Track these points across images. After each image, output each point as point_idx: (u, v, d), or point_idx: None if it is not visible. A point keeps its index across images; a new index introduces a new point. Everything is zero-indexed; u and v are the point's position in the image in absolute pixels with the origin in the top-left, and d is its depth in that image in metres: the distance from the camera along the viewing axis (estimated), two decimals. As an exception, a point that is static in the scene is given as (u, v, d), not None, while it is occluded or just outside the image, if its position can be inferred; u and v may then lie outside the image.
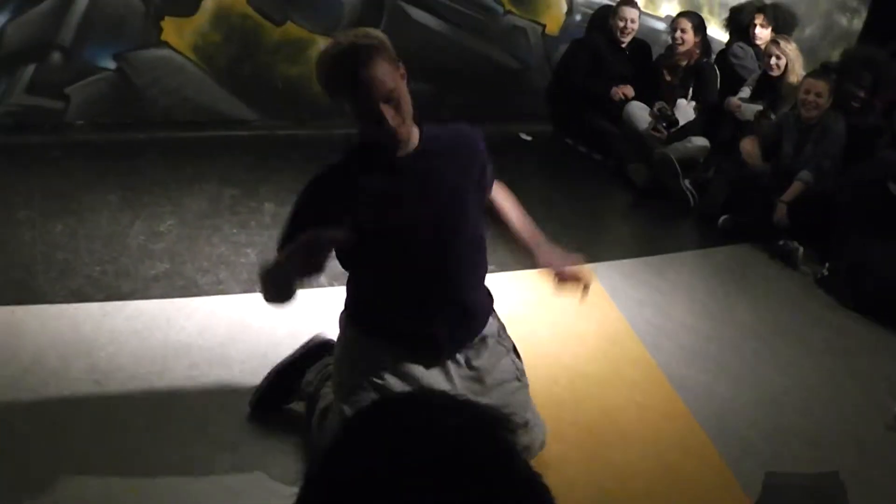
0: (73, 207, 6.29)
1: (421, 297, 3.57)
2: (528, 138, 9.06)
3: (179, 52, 8.06)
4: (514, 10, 9.12)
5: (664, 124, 7.80)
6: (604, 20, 8.74)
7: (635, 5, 8.60)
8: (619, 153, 8.08)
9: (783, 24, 8.37)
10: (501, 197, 3.86)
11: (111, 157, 7.34)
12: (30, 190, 6.52)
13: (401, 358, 3.60)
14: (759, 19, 8.37)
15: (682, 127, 7.87)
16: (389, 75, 3.17)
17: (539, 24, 9.28)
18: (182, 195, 6.66)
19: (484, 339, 3.77)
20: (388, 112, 3.17)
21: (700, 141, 7.83)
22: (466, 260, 3.62)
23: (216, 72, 8.23)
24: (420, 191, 3.41)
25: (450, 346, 3.68)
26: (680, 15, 8.41)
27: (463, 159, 3.52)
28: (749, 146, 7.07)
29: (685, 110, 8.02)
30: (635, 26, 8.55)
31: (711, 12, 9.37)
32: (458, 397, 1.39)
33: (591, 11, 9.16)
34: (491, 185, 3.74)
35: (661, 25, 9.43)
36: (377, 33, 3.28)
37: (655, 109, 7.90)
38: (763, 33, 8.30)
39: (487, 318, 3.82)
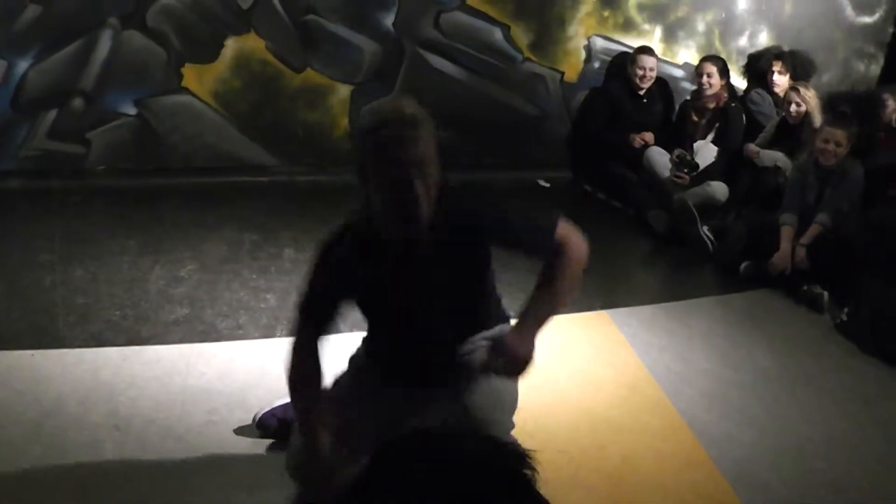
0: (94, 252, 6.31)
1: (414, 356, 3.62)
2: (547, 185, 9.06)
3: (200, 99, 8.12)
4: (532, 57, 9.16)
5: (685, 170, 7.79)
6: (621, 67, 8.76)
7: (653, 53, 8.61)
8: (639, 200, 8.06)
9: (801, 71, 8.39)
10: (549, 269, 3.56)
11: (132, 202, 7.39)
12: (50, 234, 6.56)
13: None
14: (777, 66, 8.38)
15: (703, 170, 7.87)
16: (429, 144, 3.15)
17: (557, 71, 9.31)
18: (202, 241, 6.68)
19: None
20: (418, 188, 3.12)
21: (719, 185, 7.81)
22: (464, 328, 3.67)
23: (236, 118, 8.29)
24: (416, 280, 3.44)
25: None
26: (704, 59, 8.40)
27: (464, 248, 3.44)
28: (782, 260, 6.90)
29: (704, 152, 8.01)
30: (653, 74, 8.56)
31: (729, 59, 9.39)
32: (481, 432, 1.40)
33: (609, 59, 9.17)
34: (539, 251, 3.57)
35: (680, 73, 9.46)
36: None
37: (675, 156, 7.89)
38: (781, 80, 8.30)
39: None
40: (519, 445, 1.45)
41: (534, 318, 3.54)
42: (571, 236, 3.54)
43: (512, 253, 3.63)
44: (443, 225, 3.30)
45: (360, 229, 3.40)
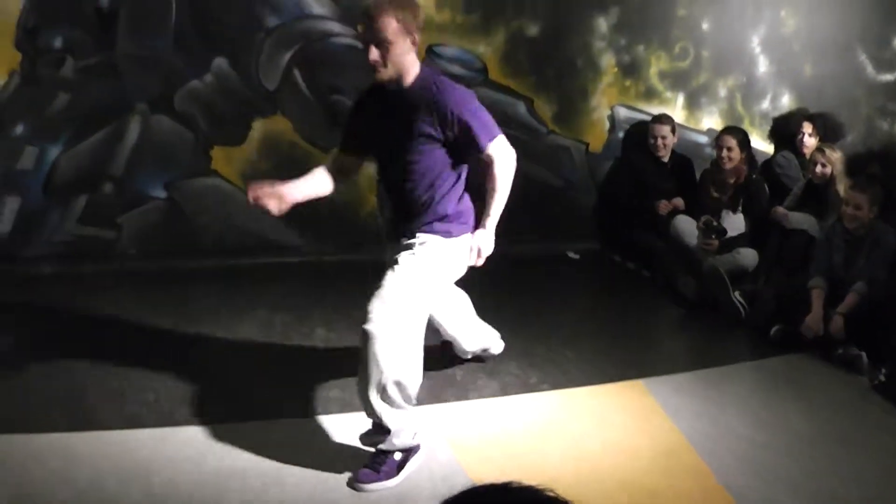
0: (126, 335, 6.35)
1: (388, 190, 4.99)
2: (576, 257, 9.08)
3: (229, 181, 8.19)
4: (557, 129, 9.23)
5: (713, 235, 7.79)
6: (640, 136, 8.83)
7: (667, 121, 8.68)
8: (668, 268, 8.07)
9: (830, 134, 8.39)
10: (490, 169, 4.74)
11: (163, 285, 7.44)
12: (84, 318, 6.61)
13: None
14: (807, 128, 8.39)
15: (731, 239, 7.87)
16: (389, 28, 4.37)
17: (582, 142, 9.38)
18: (234, 322, 6.70)
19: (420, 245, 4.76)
20: (372, 52, 4.42)
21: (748, 252, 7.83)
22: (410, 180, 4.70)
23: (265, 199, 8.30)
24: (386, 117, 4.69)
25: (397, 230, 4.92)
26: (724, 132, 8.42)
27: (424, 110, 4.55)
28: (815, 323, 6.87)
29: (733, 221, 8.02)
30: (669, 141, 8.63)
31: (752, 123, 9.46)
32: (545, 492, 1.43)
33: (633, 128, 9.27)
34: (481, 149, 4.64)
35: (704, 139, 9.50)
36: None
37: (702, 223, 7.89)
38: (810, 142, 8.31)
39: (424, 228, 4.77)
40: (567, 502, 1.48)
41: (491, 218, 4.85)
42: (503, 148, 4.71)
43: (456, 137, 4.58)
44: (418, 89, 4.57)
45: (374, 84, 4.70)
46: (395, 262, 4.69)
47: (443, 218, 4.78)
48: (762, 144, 9.31)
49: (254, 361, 6.07)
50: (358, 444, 4.76)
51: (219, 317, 6.79)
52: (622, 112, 9.44)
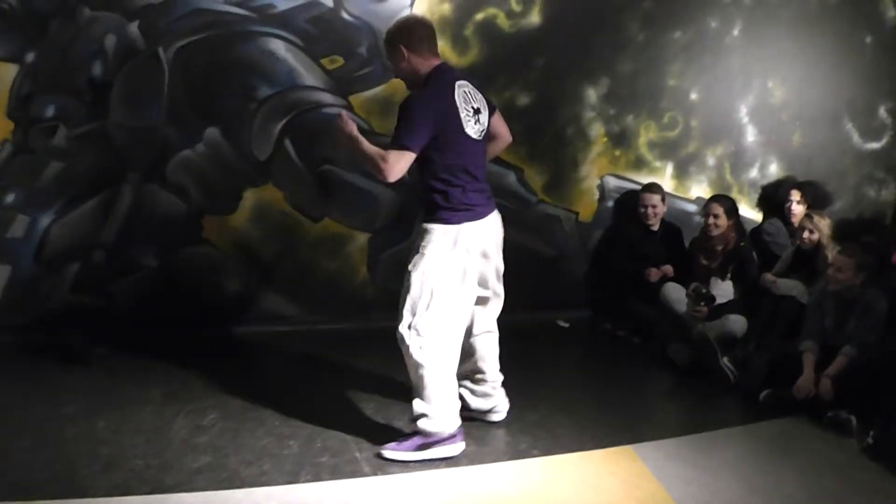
0: (117, 403, 6.32)
1: None
2: (566, 325, 9.11)
3: (220, 250, 8.21)
4: (547, 199, 9.27)
5: (702, 303, 7.81)
6: (630, 205, 8.90)
7: (657, 190, 8.78)
8: (658, 335, 8.10)
9: (819, 201, 8.46)
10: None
11: (154, 353, 7.41)
12: (74, 386, 6.61)
13: None
14: (795, 196, 8.48)
15: (720, 305, 7.90)
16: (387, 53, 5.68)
17: (572, 211, 9.42)
18: (225, 389, 6.68)
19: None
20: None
21: (738, 318, 7.87)
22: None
23: (256, 268, 8.37)
24: None
25: None
26: (712, 199, 8.51)
27: None
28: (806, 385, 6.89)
29: (722, 288, 8.05)
30: (659, 210, 8.72)
31: (741, 191, 9.53)
32: None
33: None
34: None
35: (693, 207, 9.56)
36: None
37: (691, 290, 7.93)
38: (799, 210, 8.39)
39: (423, 219, 5.56)
40: None
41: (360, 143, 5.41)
42: (392, 157, 5.28)
43: None
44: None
45: None
46: (408, 260, 5.50)
47: (432, 209, 5.51)
48: (751, 213, 9.37)
49: (244, 428, 6.04)
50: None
51: (210, 384, 6.78)
52: (612, 181, 9.51)
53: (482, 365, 6.12)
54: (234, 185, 8.21)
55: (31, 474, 5.21)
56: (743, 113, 9.97)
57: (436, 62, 5.62)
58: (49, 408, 6.17)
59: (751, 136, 9.98)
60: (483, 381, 6.14)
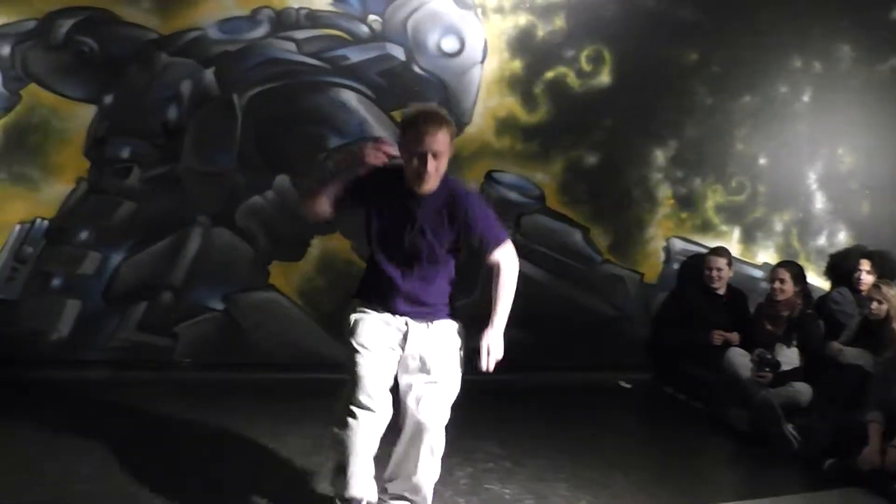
0: (172, 443, 6.38)
1: (391, 281, 4.84)
2: (628, 386, 9.04)
3: (286, 296, 8.29)
4: (612, 259, 9.27)
5: (766, 369, 7.73)
6: (696, 268, 8.86)
7: (724, 254, 8.72)
8: (720, 400, 8.01)
9: (888, 271, 8.35)
10: (498, 273, 4.86)
11: (215, 395, 7.43)
12: (131, 424, 6.67)
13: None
14: (865, 266, 8.37)
15: (785, 372, 7.81)
16: (444, 142, 4.61)
17: (637, 272, 9.40)
18: (284, 434, 6.70)
19: (437, 333, 4.90)
20: (430, 163, 4.58)
21: (802, 386, 7.75)
22: (426, 274, 4.84)
23: (320, 316, 8.40)
24: (412, 220, 4.75)
25: (394, 306, 4.87)
26: (779, 265, 8.46)
27: (448, 216, 4.75)
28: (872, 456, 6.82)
29: (787, 355, 7.96)
30: (725, 273, 8.65)
31: (808, 258, 9.45)
32: None
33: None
34: (489, 251, 4.83)
35: (759, 273, 9.49)
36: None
37: (755, 356, 7.84)
38: (868, 279, 8.26)
39: (437, 316, 4.91)
40: None
41: (499, 323, 4.78)
42: (509, 254, 4.86)
43: (466, 239, 4.81)
44: (439, 194, 4.74)
45: (399, 173, 4.77)
46: (437, 356, 4.91)
47: (447, 304, 5.01)
48: (818, 280, 9.29)
49: (300, 478, 6.04)
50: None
51: (270, 428, 6.81)
52: (678, 244, 9.48)
53: None
54: (302, 233, 8.30)
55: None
56: (811, 180, 9.91)
57: None
58: (104, 443, 6.20)
59: (819, 203, 9.91)
60: None
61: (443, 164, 4.65)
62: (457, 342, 4.95)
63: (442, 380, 4.87)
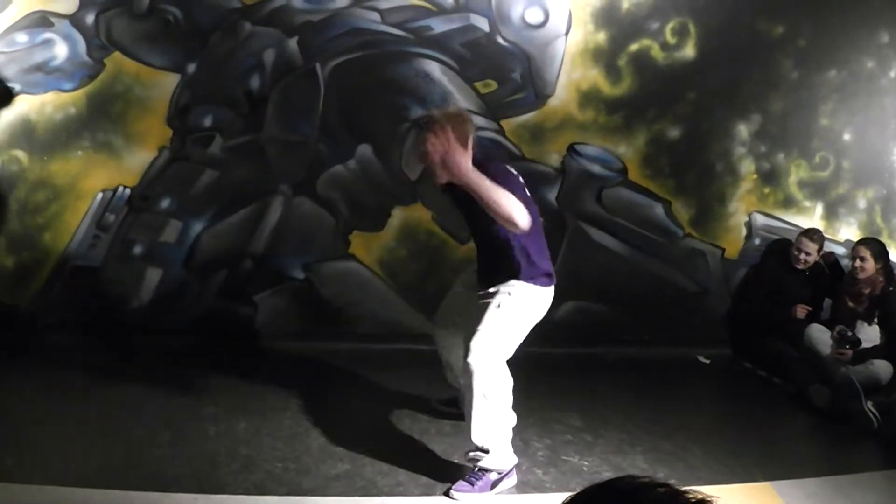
0: (256, 407, 6.47)
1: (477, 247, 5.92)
2: (707, 361, 8.98)
3: (366, 266, 8.32)
4: (693, 233, 9.18)
5: (847, 346, 7.66)
6: (780, 253, 8.75)
7: (817, 240, 8.53)
8: (800, 375, 7.95)
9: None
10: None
11: (295, 363, 7.56)
12: (216, 388, 6.79)
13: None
14: (950, 243, 8.27)
15: (865, 350, 7.73)
16: (430, 141, 5.05)
17: (718, 247, 9.30)
18: (364, 402, 6.76)
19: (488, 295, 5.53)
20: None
21: (883, 364, 7.67)
22: (488, 248, 5.69)
23: (401, 286, 8.45)
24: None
25: (480, 283, 5.74)
26: (860, 242, 8.34)
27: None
28: None
29: (868, 333, 7.88)
30: (811, 259, 8.51)
31: (892, 236, 9.30)
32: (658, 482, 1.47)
33: (770, 236, 9.19)
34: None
35: (841, 250, 9.35)
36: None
37: (836, 332, 7.77)
38: (954, 257, 8.17)
39: (496, 284, 5.54)
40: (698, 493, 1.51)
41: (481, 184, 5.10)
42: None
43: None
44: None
45: None
46: (485, 306, 5.46)
47: (516, 271, 5.48)
48: (902, 258, 9.16)
49: (382, 440, 6.09)
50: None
51: (349, 396, 6.88)
52: (760, 219, 9.36)
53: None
54: (383, 202, 8.32)
55: (168, 468, 5.39)
56: (897, 156, 9.77)
57: None
58: (191, 407, 6.33)
59: (904, 179, 9.77)
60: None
61: (439, 159, 5.07)
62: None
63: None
